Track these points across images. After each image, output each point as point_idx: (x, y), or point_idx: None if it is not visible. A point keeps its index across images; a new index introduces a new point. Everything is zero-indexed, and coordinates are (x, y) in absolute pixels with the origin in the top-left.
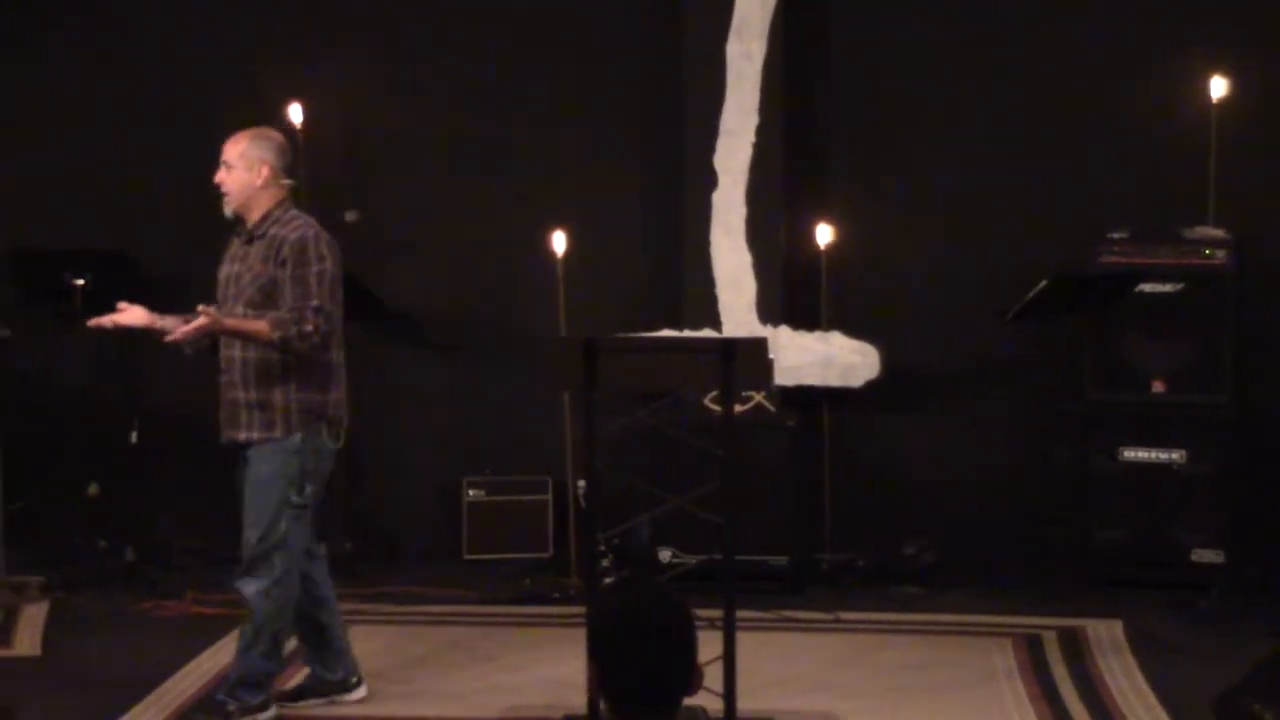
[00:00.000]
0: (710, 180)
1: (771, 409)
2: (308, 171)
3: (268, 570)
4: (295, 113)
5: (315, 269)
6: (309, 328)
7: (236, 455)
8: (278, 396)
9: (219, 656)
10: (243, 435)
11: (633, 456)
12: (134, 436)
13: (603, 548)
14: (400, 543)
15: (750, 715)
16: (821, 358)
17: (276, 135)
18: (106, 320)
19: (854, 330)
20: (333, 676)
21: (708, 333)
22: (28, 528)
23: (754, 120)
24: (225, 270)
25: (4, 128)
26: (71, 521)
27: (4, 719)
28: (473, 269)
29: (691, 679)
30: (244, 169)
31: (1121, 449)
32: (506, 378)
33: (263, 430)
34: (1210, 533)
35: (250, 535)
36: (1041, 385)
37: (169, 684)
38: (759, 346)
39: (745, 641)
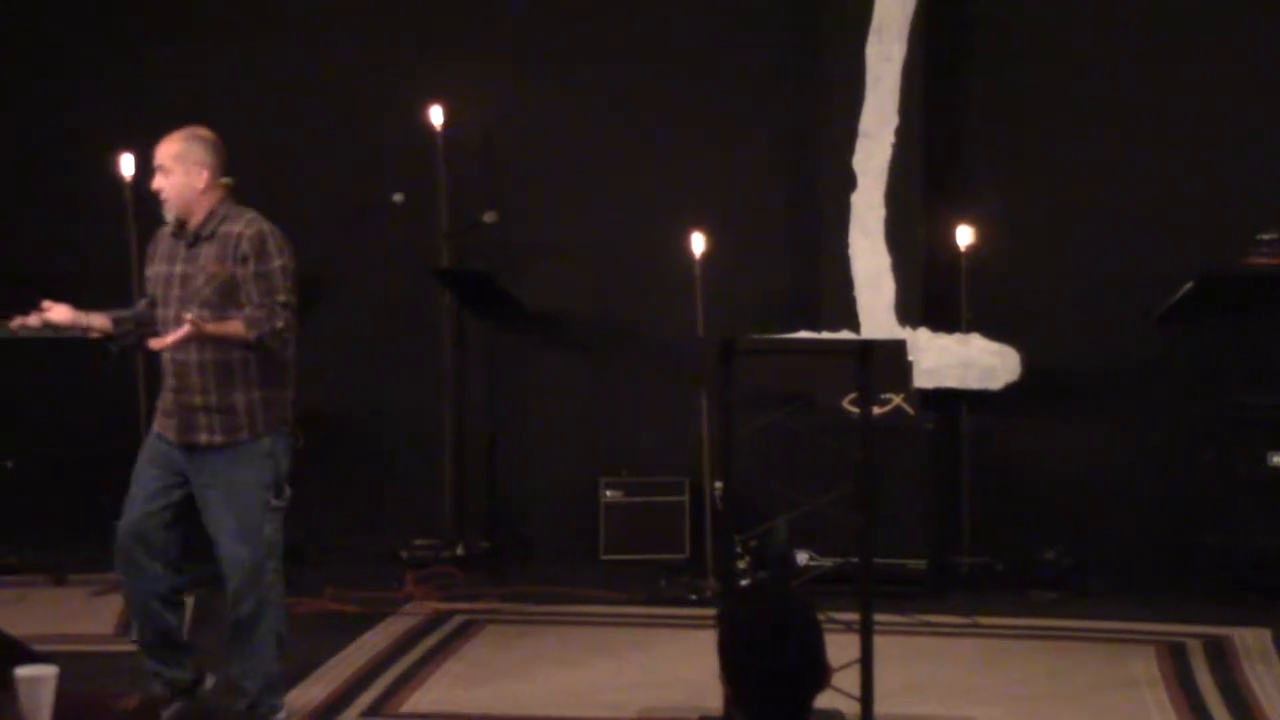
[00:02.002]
0: (849, 181)
1: (910, 411)
2: (447, 173)
3: (264, 581)
4: (435, 115)
5: (277, 264)
6: (280, 324)
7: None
8: (240, 398)
9: (358, 653)
10: (204, 438)
11: (770, 458)
12: None
13: (739, 549)
14: (537, 542)
15: None
16: (961, 360)
17: (210, 134)
18: (32, 319)
19: (994, 332)
20: (186, 675)
21: (846, 334)
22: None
23: (893, 122)
24: (160, 270)
25: (157, 132)
26: None
27: (148, 712)
28: (610, 270)
29: (820, 677)
30: (182, 173)
31: (1269, 453)
32: (644, 378)
33: (226, 434)
34: None
35: (241, 552)
36: (1187, 388)
37: (308, 680)
38: (897, 348)
39: (882, 645)
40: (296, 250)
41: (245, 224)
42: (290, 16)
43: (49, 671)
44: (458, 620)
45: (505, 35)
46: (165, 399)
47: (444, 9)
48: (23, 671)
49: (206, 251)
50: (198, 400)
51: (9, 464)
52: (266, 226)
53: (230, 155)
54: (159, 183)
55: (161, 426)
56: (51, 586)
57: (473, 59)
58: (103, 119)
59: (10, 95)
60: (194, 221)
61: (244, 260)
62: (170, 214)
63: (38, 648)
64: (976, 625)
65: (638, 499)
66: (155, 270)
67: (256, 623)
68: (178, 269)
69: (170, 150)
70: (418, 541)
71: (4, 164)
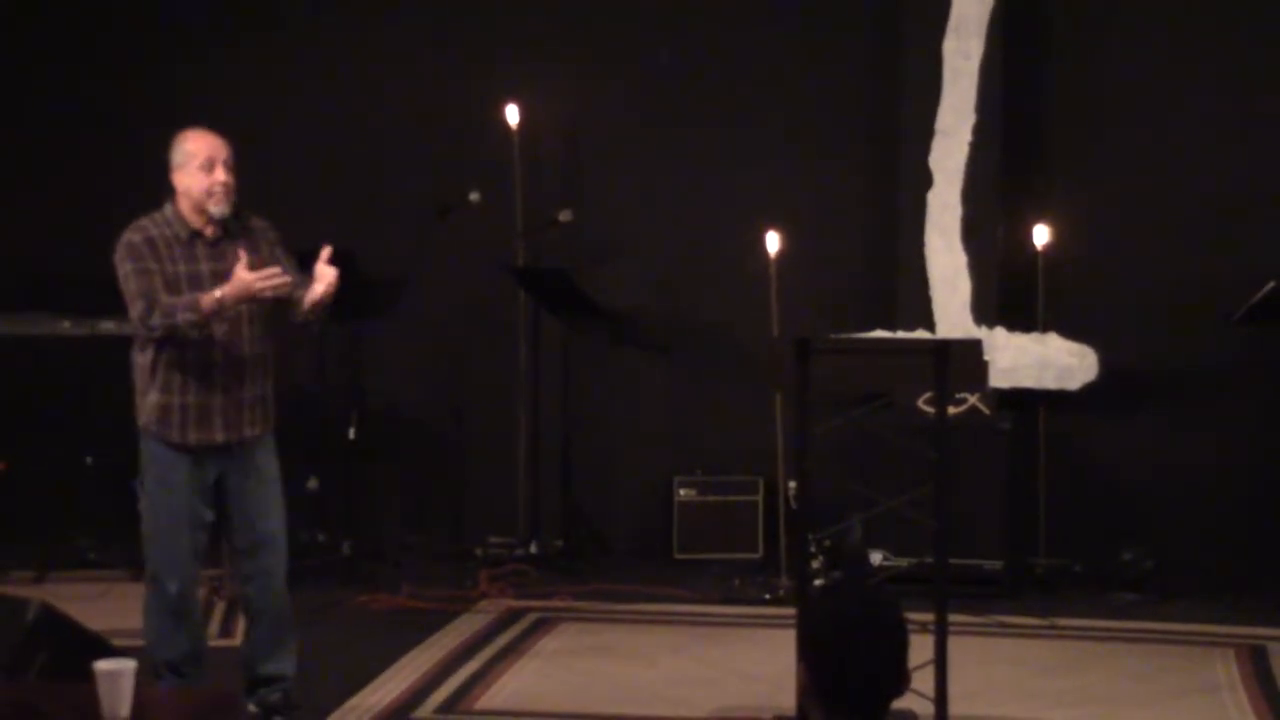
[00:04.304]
0: (925, 180)
1: (986, 411)
2: (523, 171)
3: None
4: (511, 113)
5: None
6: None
7: (213, 454)
8: (270, 388)
9: (432, 650)
10: (248, 431)
11: (845, 458)
12: (352, 433)
13: (814, 549)
14: (612, 541)
15: None
16: (1038, 360)
17: None
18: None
19: (1071, 332)
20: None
21: (921, 334)
22: None
23: (970, 120)
24: (180, 270)
25: (238, 131)
26: (291, 515)
27: (225, 707)
28: (686, 269)
29: (900, 683)
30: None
31: None
32: (719, 378)
33: (263, 425)
34: None
35: (282, 537)
36: (1267, 389)
37: (383, 677)
38: (973, 348)
39: (957, 646)
40: (377, 249)
41: (250, 217)
42: (367, 15)
43: (128, 665)
44: (531, 618)
45: (582, 33)
46: (204, 399)
47: (520, 7)
48: (102, 665)
49: (237, 248)
50: (247, 393)
51: (89, 459)
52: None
53: (305, 155)
54: (230, 179)
55: (194, 433)
56: (131, 582)
57: (549, 57)
58: (180, 120)
59: (63, 95)
60: (226, 218)
61: (274, 246)
62: (228, 210)
63: (117, 642)
64: (1054, 627)
65: (712, 498)
66: (174, 270)
67: (287, 608)
68: (203, 267)
69: (229, 149)
70: (492, 539)
71: (55, 165)
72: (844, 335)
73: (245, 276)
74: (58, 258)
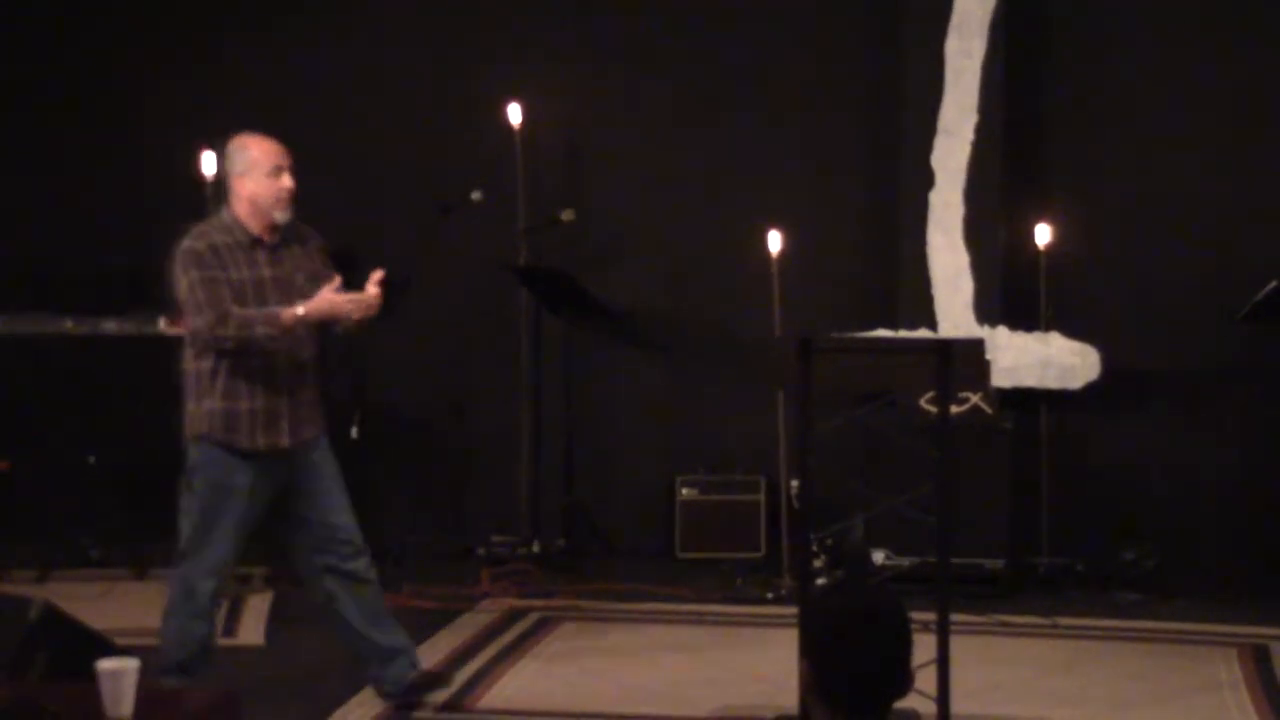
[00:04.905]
0: (927, 179)
1: (988, 410)
2: (525, 171)
3: None
4: (514, 112)
5: None
6: None
7: (284, 460)
8: (320, 391)
9: (434, 649)
10: (308, 434)
11: (847, 457)
12: (354, 431)
13: (816, 548)
14: (613, 540)
15: None
16: (1040, 359)
17: None
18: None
19: (1073, 331)
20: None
21: (924, 333)
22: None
23: (972, 119)
24: (244, 275)
25: (240, 130)
26: None
27: (228, 706)
28: (688, 268)
29: (903, 681)
30: None
31: None
32: (721, 377)
33: (319, 426)
34: None
35: (356, 525)
36: (1271, 388)
37: None
38: (976, 347)
39: (959, 645)
40: (377, 248)
41: (302, 225)
42: (369, 14)
43: (131, 664)
44: (534, 617)
45: (584, 32)
46: (270, 404)
47: (522, 6)
48: (105, 664)
49: (293, 254)
50: (307, 395)
51: (91, 459)
52: None
53: (310, 154)
54: (293, 184)
55: (263, 437)
56: (133, 580)
57: (551, 57)
58: (182, 118)
59: (89, 94)
60: (282, 225)
61: (324, 255)
62: (289, 217)
63: (119, 641)
64: (1056, 626)
65: (714, 497)
66: (239, 276)
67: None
68: (265, 273)
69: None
70: (495, 538)
71: (85, 164)
72: (846, 334)
73: (332, 297)
74: (60, 257)
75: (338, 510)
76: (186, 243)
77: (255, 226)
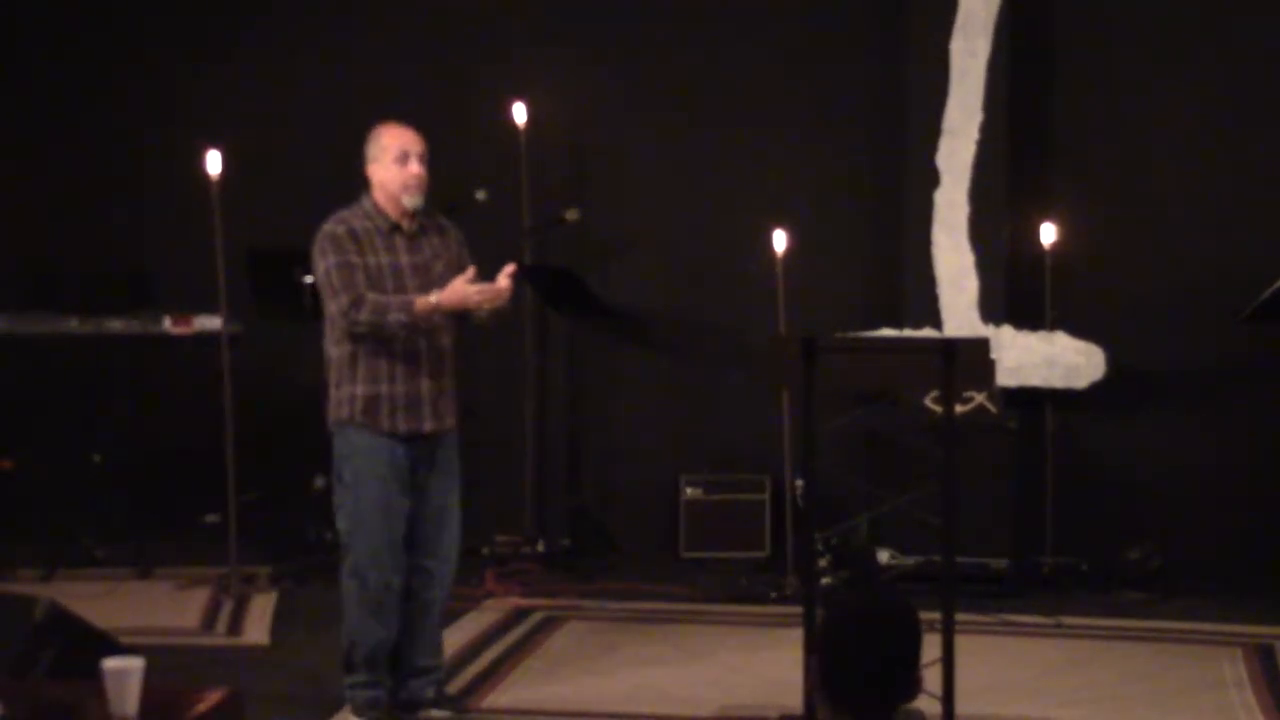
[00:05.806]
0: (932, 179)
1: (993, 410)
2: (529, 170)
3: None
4: (519, 112)
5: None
6: None
7: (424, 444)
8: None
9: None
10: (448, 423)
11: (851, 456)
12: None
13: (820, 547)
14: (618, 540)
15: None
16: (1045, 358)
17: None
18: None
19: (1079, 330)
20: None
21: (928, 332)
22: (258, 520)
23: (977, 118)
24: (383, 261)
25: (241, 130)
26: (300, 514)
27: (233, 706)
28: (693, 267)
29: (913, 685)
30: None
31: None
32: (725, 376)
33: (455, 417)
34: None
35: (457, 541)
36: (1275, 388)
37: None
38: (981, 346)
39: (964, 645)
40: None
41: (442, 216)
42: (373, 13)
43: (135, 663)
44: (538, 617)
45: (588, 32)
46: (412, 388)
47: (527, 5)
48: (110, 663)
49: (439, 241)
50: (446, 384)
51: (96, 458)
52: None
53: (309, 155)
54: (424, 172)
55: (404, 422)
56: (137, 580)
57: (556, 56)
58: (183, 118)
59: (91, 94)
60: (419, 211)
61: (462, 246)
62: (419, 203)
63: (124, 640)
64: (1060, 625)
65: (718, 497)
66: (377, 261)
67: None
68: (403, 259)
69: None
70: (499, 538)
71: (93, 162)
72: (851, 334)
73: (464, 287)
74: (64, 256)
75: (442, 511)
76: (326, 227)
77: (392, 212)
